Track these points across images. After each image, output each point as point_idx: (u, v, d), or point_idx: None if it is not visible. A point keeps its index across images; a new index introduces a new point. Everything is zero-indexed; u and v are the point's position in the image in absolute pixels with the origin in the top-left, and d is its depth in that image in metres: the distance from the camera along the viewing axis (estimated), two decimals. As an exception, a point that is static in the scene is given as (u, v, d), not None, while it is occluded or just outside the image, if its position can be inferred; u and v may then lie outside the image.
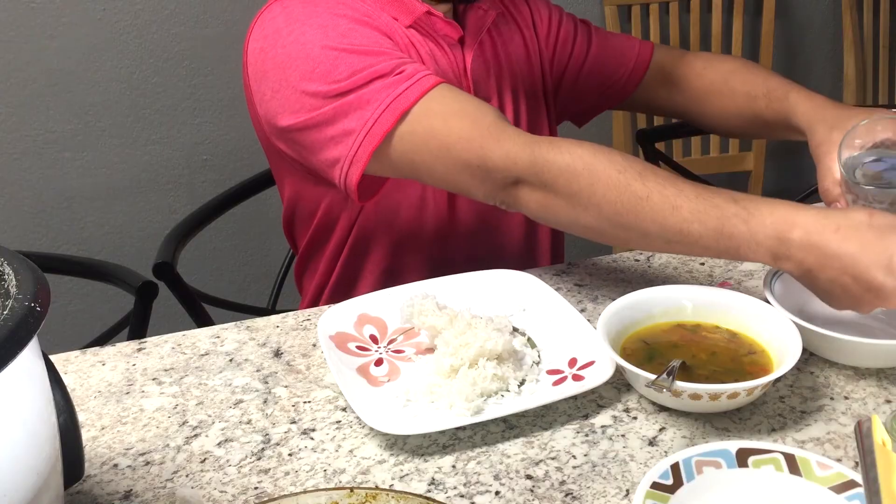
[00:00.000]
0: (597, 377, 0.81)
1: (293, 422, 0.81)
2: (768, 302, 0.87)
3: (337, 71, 0.94)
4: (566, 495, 0.70)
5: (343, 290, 1.17)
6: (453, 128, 0.91)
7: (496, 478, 0.73)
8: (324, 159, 0.98)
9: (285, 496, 0.61)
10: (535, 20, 1.20)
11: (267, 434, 0.79)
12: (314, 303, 1.21)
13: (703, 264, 1.07)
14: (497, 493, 0.71)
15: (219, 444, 0.78)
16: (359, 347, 0.90)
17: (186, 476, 0.75)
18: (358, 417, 0.80)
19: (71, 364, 0.92)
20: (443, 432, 0.78)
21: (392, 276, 1.14)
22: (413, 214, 1.11)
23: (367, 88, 0.93)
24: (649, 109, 1.32)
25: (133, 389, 0.87)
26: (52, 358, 0.63)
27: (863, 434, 0.63)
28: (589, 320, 0.90)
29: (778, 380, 0.81)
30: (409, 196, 1.10)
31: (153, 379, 0.89)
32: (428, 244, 1.13)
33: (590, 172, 0.86)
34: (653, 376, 0.75)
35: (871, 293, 0.76)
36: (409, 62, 0.96)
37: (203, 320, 1.23)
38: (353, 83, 0.93)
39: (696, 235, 0.82)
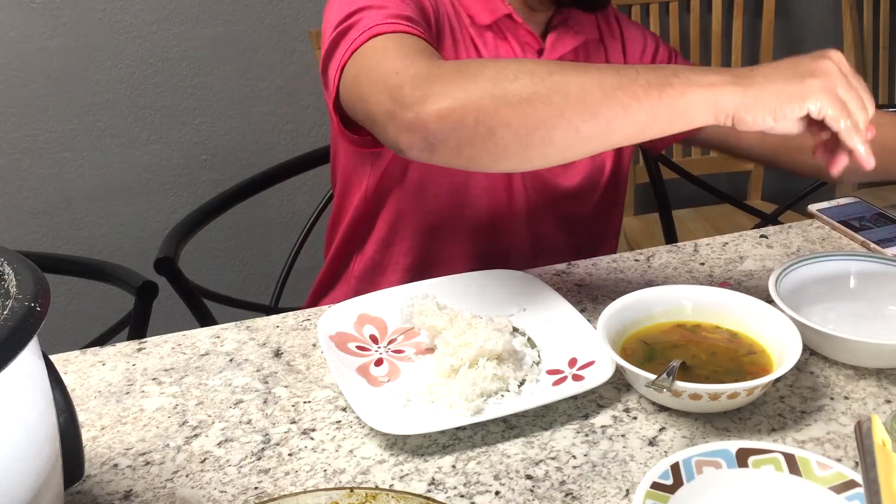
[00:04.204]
0: (597, 377, 0.81)
1: (293, 422, 0.81)
2: (772, 299, 0.87)
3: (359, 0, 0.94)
4: (566, 495, 0.70)
5: (372, 278, 1.17)
6: (393, 60, 0.87)
7: (496, 478, 0.73)
8: (327, 95, 0.97)
9: (285, 496, 0.61)
10: (627, 51, 1.18)
11: (267, 434, 0.79)
12: (346, 289, 1.21)
13: (702, 264, 1.08)
14: (497, 493, 0.71)
15: (219, 444, 0.78)
16: (359, 347, 0.90)
17: (186, 476, 0.75)
18: (358, 417, 0.80)
19: (71, 364, 0.92)
20: (443, 432, 0.78)
21: (423, 268, 1.14)
22: (452, 200, 1.10)
23: (360, 14, 0.92)
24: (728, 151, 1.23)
25: (133, 389, 0.87)
26: (52, 358, 0.63)
27: (863, 434, 0.63)
28: (589, 320, 0.90)
29: (778, 380, 0.81)
30: (444, 184, 1.09)
31: (153, 379, 0.89)
32: (466, 237, 1.13)
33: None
34: (653, 376, 0.75)
35: (816, 57, 0.76)
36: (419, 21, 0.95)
37: (204, 316, 1.23)
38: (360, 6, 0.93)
39: (634, 70, 0.77)
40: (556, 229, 1.18)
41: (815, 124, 0.76)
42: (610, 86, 0.75)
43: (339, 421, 0.81)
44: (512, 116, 0.75)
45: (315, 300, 1.26)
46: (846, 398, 0.81)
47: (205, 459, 0.76)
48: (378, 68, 0.85)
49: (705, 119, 0.75)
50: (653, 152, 1.31)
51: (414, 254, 1.14)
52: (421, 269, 1.14)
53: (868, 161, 0.76)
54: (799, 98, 0.73)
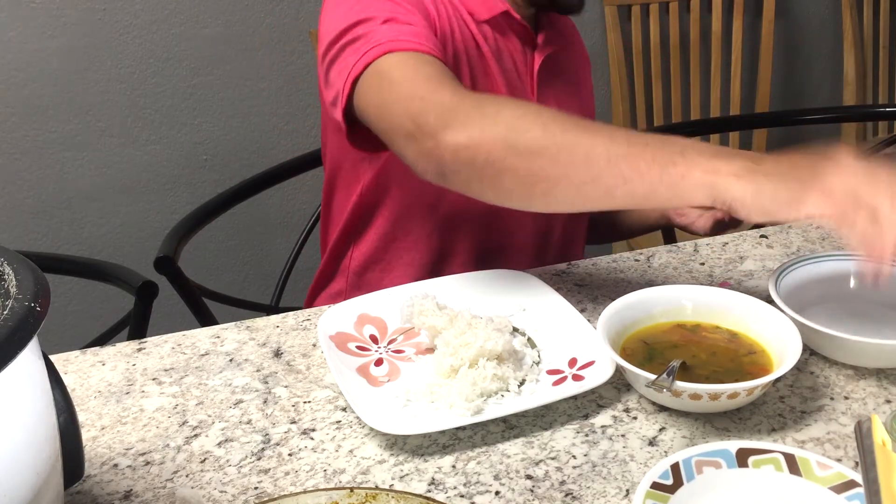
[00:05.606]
0: (597, 377, 0.81)
1: (293, 422, 0.81)
2: (772, 299, 0.87)
3: (367, 9, 0.95)
4: (566, 495, 0.70)
5: (378, 273, 1.17)
6: (413, 81, 0.89)
7: (496, 478, 0.73)
8: (328, 99, 0.98)
9: (285, 496, 0.61)
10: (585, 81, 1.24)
11: (267, 434, 0.79)
12: (348, 285, 1.21)
13: (702, 264, 1.07)
14: (497, 493, 0.71)
15: (219, 444, 0.78)
16: (359, 347, 0.90)
17: (186, 476, 0.75)
18: (358, 417, 0.80)
19: (71, 364, 0.92)
20: (443, 432, 0.78)
21: (428, 263, 1.14)
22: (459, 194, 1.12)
23: (368, 25, 0.93)
24: None
25: (133, 389, 0.87)
26: (52, 358, 0.63)
27: (863, 434, 0.63)
28: (589, 320, 0.90)
29: (778, 380, 0.81)
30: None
31: (153, 379, 0.89)
32: (472, 231, 1.13)
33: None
34: (653, 376, 0.75)
35: (825, 156, 0.75)
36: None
37: (204, 315, 1.23)
38: (366, 17, 0.94)
39: (643, 141, 0.78)
40: (564, 219, 1.19)
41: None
42: (616, 154, 0.77)
43: (339, 421, 0.81)
44: (518, 165, 0.79)
45: (314, 296, 1.26)
46: (846, 398, 0.81)
47: (205, 459, 0.76)
48: (399, 88, 0.88)
49: (703, 201, 0.77)
50: None
51: (418, 248, 1.14)
52: (425, 264, 1.13)
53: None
54: (795, 204, 0.74)
